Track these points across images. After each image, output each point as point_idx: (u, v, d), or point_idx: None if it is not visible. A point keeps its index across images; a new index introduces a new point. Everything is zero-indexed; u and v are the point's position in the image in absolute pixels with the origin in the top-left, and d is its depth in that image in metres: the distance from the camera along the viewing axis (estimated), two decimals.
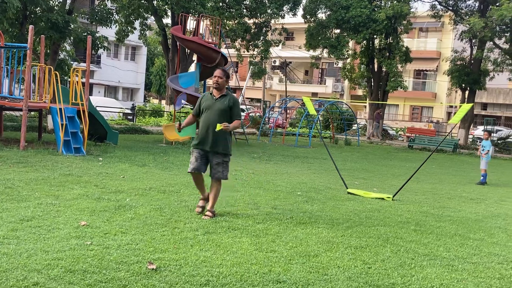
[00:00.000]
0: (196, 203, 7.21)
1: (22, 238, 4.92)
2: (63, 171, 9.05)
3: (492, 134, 27.79)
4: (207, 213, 6.45)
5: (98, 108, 16.44)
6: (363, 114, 44.13)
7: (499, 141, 29.06)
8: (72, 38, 19.71)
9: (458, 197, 10.19)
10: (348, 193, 9.44)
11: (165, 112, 28.51)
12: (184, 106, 33.03)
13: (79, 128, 12.34)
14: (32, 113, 19.71)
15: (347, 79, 33.16)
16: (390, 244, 5.83)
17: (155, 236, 5.33)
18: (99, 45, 20.34)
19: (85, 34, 19.00)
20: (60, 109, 11.88)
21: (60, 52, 21.73)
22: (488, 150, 13.36)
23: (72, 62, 24.09)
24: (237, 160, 13.60)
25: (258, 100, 51.22)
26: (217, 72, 6.60)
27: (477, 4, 29.38)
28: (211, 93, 6.62)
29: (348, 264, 4.93)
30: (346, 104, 30.69)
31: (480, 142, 30.18)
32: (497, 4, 25.11)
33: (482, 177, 12.95)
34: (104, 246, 4.84)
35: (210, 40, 18.44)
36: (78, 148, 11.81)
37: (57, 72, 12.61)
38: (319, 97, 42.14)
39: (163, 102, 44.84)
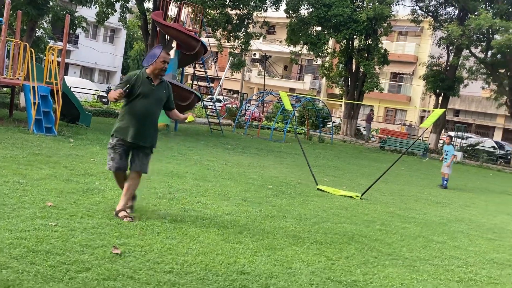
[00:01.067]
0: (165, 191, 7.19)
1: None
2: (32, 150, 8.92)
3: (461, 140, 28.48)
4: (121, 213, 5.43)
5: (72, 89, 16.19)
6: (338, 112, 44.47)
7: (468, 148, 29.63)
8: (50, 15, 19.34)
9: (424, 200, 10.38)
10: (318, 189, 9.53)
11: None
12: None
13: (51, 107, 12.15)
14: (5, 89, 19.30)
15: (325, 77, 33.32)
16: (355, 242, 5.92)
17: (122, 221, 5.30)
18: (77, 25, 20.01)
19: (64, 12, 18.65)
20: (34, 87, 11.68)
21: (37, 30, 21.30)
22: (453, 155, 13.56)
23: (48, 40, 23.66)
24: (210, 150, 13.59)
25: (236, 92, 51.15)
26: (166, 56, 5.57)
27: (456, 12, 29.85)
28: (148, 78, 5.51)
29: (312, 259, 5.00)
30: (322, 102, 30.83)
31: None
32: (476, 13, 25.55)
33: (445, 181, 13.12)
34: (69, 228, 4.81)
35: (191, 28, 18.32)
36: (49, 128, 11.63)
37: (32, 49, 12.38)
38: (297, 93, 42.28)
39: None
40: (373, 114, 31.24)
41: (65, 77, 14.22)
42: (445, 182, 13.08)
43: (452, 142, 15.70)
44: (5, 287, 3.40)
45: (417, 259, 5.58)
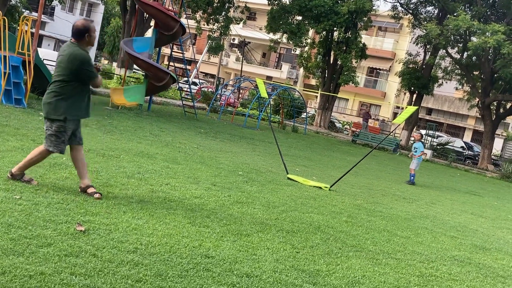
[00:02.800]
0: (134, 171, 7.12)
1: None
2: (0, 121, 8.70)
3: (432, 139, 28.93)
4: (91, 189, 5.35)
5: (45, 62, 15.82)
6: (313, 103, 44.66)
7: (438, 147, 30.14)
8: None
9: (391, 195, 10.52)
10: (288, 178, 9.56)
11: (115, 75, 27.82)
12: (135, 71, 32.37)
13: (22, 79, 11.87)
14: None
15: (302, 67, 33.39)
16: (320, 232, 5.97)
17: (88, 198, 5.23)
18: None
19: None
20: (5, 56, 11.37)
21: None
22: (423, 151, 13.76)
23: (23, 10, 23.05)
24: (183, 133, 13.50)
25: (212, 76, 50.85)
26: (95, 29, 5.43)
27: (436, 12, 30.18)
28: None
29: (277, 246, 5.02)
30: (298, 91, 30.90)
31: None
32: (455, 14, 25.86)
33: (411, 177, 13.32)
34: (33, 202, 4.71)
35: (170, 8, 18.07)
36: (19, 100, 11.38)
37: (5, 18, 12.03)
38: (273, 81, 42.27)
39: (114, 64, 43.73)
40: (369, 111, 31.34)
41: (38, 48, 13.89)
42: (412, 178, 13.26)
43: (422, 140, 15.89)
44: None
45: (380, 252, 5.66)
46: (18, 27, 13.77)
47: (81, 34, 5.19)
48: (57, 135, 5.28)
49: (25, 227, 4.07)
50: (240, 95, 34.51)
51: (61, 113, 5.23)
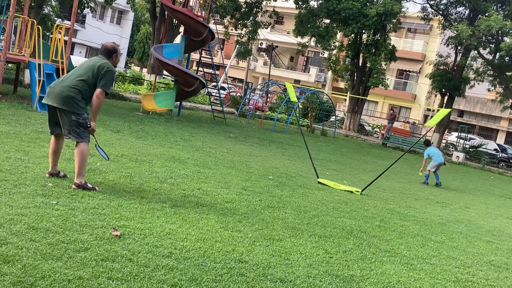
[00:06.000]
0: (166, 176, 7.19)
1: None
2: (35, 128, 8.91)
3: (464, 141, 28.41)
4: (76, 181, 5.60)
5: None
6: (342, 106, 44.38)
7: (470, 150, 29.58)
8: None
9: (424, 199, 10.37)
10: (319, 182, 9.52)
11: (145, 81, 28.18)
12: (165, 77, 32.73)
13: None
14: (10, 65, 19.26)
15: (331, 70, 33.20)
16: (353, 236, 5.92)
17: (122, 203, 5.31)
18: (86, 5, 19.93)
19: None
20: (39, 64, 11.65)
21: (44, 7, 21.21)
22: (427, 158, 13.61)
23: (56, 19, 23.57)
24: (212, 137, 13.58)
25: (241, 81, 51.03)
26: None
27: (467, 12, 29.64)
28: None
29: (310, 251, 5.00)
30: (327, 95, 30.74)
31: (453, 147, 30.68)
32: (486, 14, 25.38)
33: (426, 177, 13.22)
34: (70, 208, 4.81)
35: (199, 14, 18.23)
36: None
37: (39, 27, 12.33)
38: (302, 85, 42.16)
39: (144, 70, 44.28)
40: (395, 112, 31.03)
41: (70, 56, 14.17)
42: (426, 179, 13.18)
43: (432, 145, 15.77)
44: (4, 262, 3.40)
45: (415, 257, 5.58)
46: (51, 35, 14.07)
47: (110, 53, 5.89)
48: (85, 126, 5.66)
49: (62, 232, 4.15)
50: (268, 99, 34.52)
51: (83, 108, 5.71)
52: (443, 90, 29.56)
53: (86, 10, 21.41)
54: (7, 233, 3.88)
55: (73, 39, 41.15)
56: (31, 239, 3.87)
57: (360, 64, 30.64)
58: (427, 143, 14.23)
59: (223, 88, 36.47)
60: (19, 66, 14.32)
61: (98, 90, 5.64)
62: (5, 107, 10.63)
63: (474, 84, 31.04)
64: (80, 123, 5.60)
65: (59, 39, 12.26)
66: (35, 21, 12.80)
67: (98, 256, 3.81)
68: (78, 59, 29.82)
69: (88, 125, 5.66)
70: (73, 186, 5.53)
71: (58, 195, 5.13)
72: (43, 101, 5.80)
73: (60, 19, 25.67)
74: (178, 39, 25.93)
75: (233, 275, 3.98)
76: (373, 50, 29.23)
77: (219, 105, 25.49)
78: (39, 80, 11.58)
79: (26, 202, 4.71)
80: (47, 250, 3.74)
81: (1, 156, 6.25)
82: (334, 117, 29.52)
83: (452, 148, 31.27)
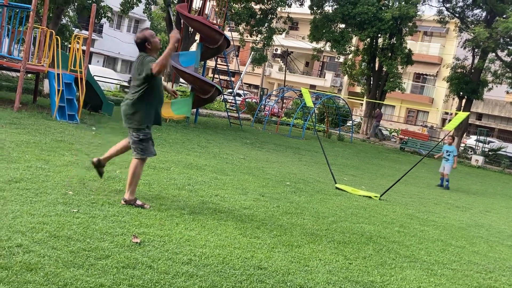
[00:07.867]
0: (184, 183, 7.23)
1: (9, 199, 4.92)
2: (55, 137, 9.02)
3: (483, 145, 28.08)
4: (139, 201, 5.60)
5: (95, 78, 16.33)
6: (359, 111, 44.19)
7: (490, 153, 29.23)
8: (76, 4, 19.52)
9: (444, 203, 10.27)
10: (336, 188, 9.48)
11: None
12: (181, 85, 32.93)
13: (75, 95, 12.27)
14: (29, 75, 19.55)
15: (346, 75, 33.12)
16: (373, 242, 5.89)
17: (142, 210, 5.35)
18: (103, 14, 20.17)
19: (90, 1, 18.82)
20: (58, 74, 11.80)
21: (62, 17, 21.52)
22: (455, 156, 13.41)
23: (73, 29, 23.88)
24: (229, 144, 13.61)
25: (256, 87, 51.11)
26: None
27: (484, 14, 29.35)
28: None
29: (329, 258, 4.98)
30: (343, 99, 30.66)
31: (471, 150, 30.31)
32: (504, 16, 25.12)
33: (446, 182, 13.01)
34: (90, 215, 4.86)
35: (214, 22, 18.34)
36: (72, 115, 11.76)
37: (58, 37, 12.50)
38: (317, 90, 42.09)
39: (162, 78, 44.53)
40: (378, 111, 30.87)
41: (89, 65, 14.35)
42: (447, 183, 12.97)
43: (454, 143, 15.49)
44: (27, 270, 3.45)
45: (435, 262, 5.53)
46: (69, 45, 14.26)
47: (142, 45, 5.50)
48: (145, 140, 5.51)
49: (83, 239, 4.20)
50: (284, 105, 34.51)
51: (137, 122, 5.48)
52: (461, 93, 29.26)
53: (103, 20, 21.66)
54: (29, 242, 3.93)
55: (91, 49, 41.67)
56: (53, 247, 3.92)
57: (377, 69, 30.50)
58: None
59: (238, 95, 36.56)
60: (38, 76, 14.52)
61: (152, 66, 5.27)
62: (25, 117, 10.78)
63: (492, 86, 30.67)
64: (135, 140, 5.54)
65: (77, 49, 12.42)
66: (53, 31, 12.99)
67: (119, 264, 3.84)
68: (96, 68, 30.19)
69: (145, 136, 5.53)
70: (122, 201, 5.49)
71: (79, 203, 5.19)
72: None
73: (78, 29, 25.99)
74: (194, 47, 26.09)
75: (252, 282, 3.98)
76: (389, 54, 29.09)
77: (235, 111, 25.56)
78: (58, 90, 11.73)
79: (47, 210, 4.77)
80: (69, 258, 3.78)
81: (22, 166, 6.34)
82: (351, 122, 29.40)
83: (471, 151, 30.90)
